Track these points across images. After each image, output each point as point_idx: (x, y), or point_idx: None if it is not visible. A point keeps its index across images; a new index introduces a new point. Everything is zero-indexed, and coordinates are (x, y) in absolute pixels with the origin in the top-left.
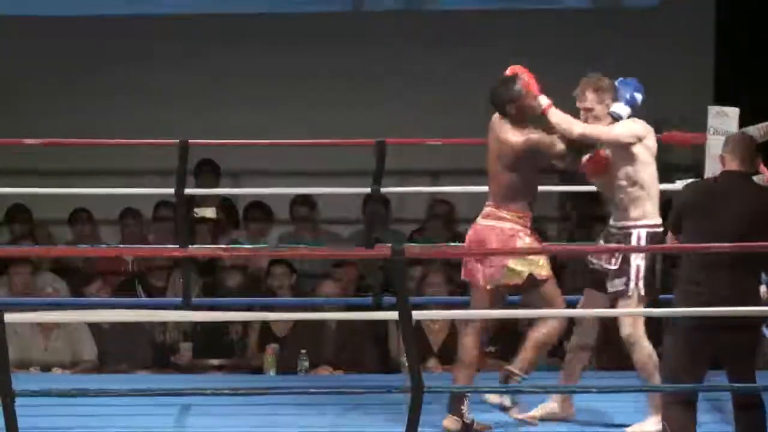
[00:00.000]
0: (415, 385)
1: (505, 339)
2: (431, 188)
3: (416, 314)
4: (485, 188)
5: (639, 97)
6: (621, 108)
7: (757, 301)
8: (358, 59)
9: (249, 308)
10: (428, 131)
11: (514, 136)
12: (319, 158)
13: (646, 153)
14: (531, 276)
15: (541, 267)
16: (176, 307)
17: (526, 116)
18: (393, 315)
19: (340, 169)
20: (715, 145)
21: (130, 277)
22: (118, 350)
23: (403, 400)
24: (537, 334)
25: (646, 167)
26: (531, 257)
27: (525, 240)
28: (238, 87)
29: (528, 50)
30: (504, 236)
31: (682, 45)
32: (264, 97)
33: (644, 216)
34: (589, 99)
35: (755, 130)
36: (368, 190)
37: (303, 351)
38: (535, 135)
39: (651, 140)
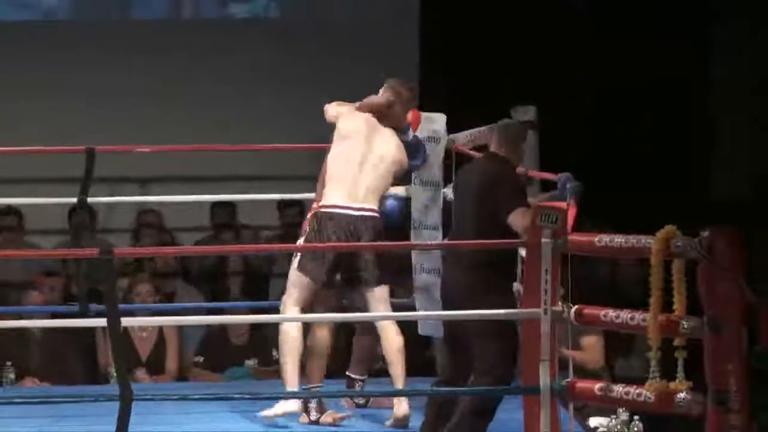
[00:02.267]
0: (124, 395)
1: (211, 349)
2: (139, 198)
3: (125, 321)
4: (197, 197)
5: None
6: None
7: (490, 294)
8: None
9: None
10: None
11: None
12: (29, 165)
13: (336, 135)
14: None
15: None
16: None
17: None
18: (101, 322)
19: (48, 176)
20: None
21: None
22: None
23: (112, 411)
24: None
25: (333, 148)
26: None
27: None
28: None
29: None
30: None
31: (387, 56)
32: None
33: (321, 198)
34: None
35: (463, 137)
36: (74, 200)
37: (8, 362)
38: None
39: (344, 123)
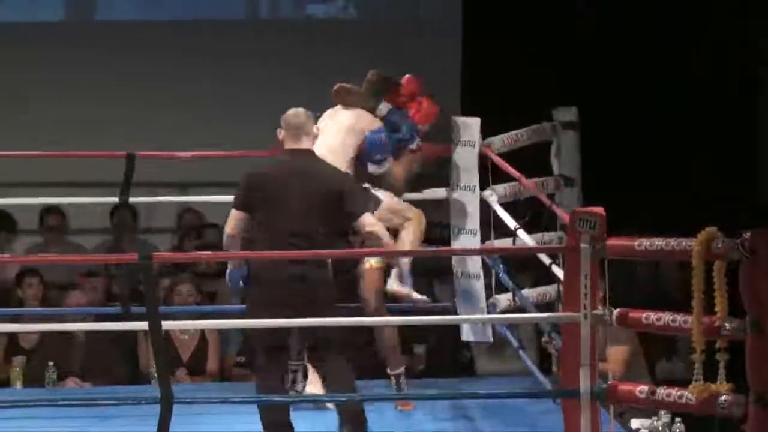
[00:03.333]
0: (165, 397)
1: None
2: (180, 198)
3: (166, 324)
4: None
5: None
6: None
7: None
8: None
9: None
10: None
11: None
12: (70, 170)
13: None
14: None
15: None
16: None
17: None
18: (143, 325)
19: (90, 180)
20: (460, 155)
21: None
22: None
23: (153, 411)
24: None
25: None
26: None
27: None
28: None
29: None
30: None
31: (431, 58)
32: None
33: None
34: None
35: (500, 141)
36: (116, 199)
37: (51, 363)
38: None
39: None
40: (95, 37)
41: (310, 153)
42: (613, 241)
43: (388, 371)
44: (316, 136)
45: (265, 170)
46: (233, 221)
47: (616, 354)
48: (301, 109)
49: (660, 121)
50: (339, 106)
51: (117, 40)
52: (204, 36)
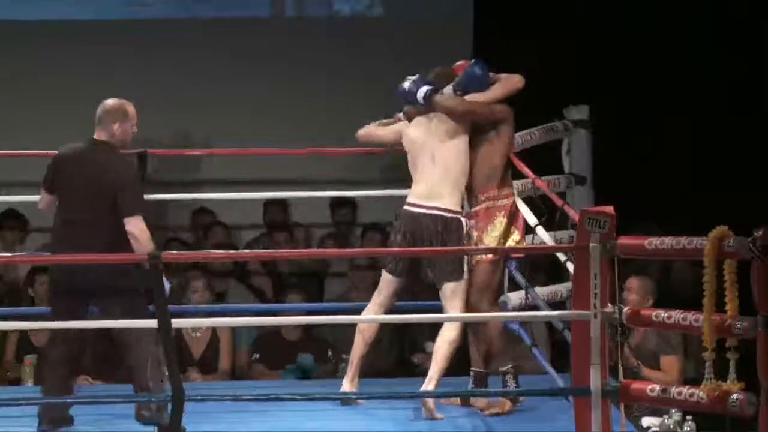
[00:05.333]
0: (176, 395)
1: (268, 345)
2: (195, 195)
3: (176, 322)
4: (251, 194)
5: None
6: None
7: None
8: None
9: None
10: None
11: None
12: None
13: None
14: None
15: None
16: None
17: None
18: (152, 323)
19: None
20: None
21: None
22: None
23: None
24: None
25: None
26: None
27: None
28: None
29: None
30: None
31: (442, 59)
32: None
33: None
34: None
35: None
36: None
37: None
38: None
39: None
40: (117, 35)
41: (97, 142)
42: (623, 240)
43: (473, 368)
44: (119, 132)
45: (65, 155)
46: (42, 200)
47: (671, 364)
48: (109, 101)
49: (673, 120)
50: None
51: (138, 37)
52: (228, 34)
